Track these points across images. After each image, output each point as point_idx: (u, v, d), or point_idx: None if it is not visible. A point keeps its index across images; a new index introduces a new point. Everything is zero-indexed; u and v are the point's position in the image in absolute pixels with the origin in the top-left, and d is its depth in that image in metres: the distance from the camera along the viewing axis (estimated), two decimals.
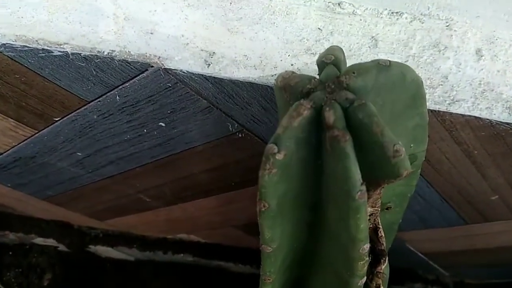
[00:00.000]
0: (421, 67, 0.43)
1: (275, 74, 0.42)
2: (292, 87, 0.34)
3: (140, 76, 0.43)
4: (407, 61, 0.44)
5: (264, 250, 0.37)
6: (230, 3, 0.44)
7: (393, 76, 0.34)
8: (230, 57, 0.43)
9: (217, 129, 0.50)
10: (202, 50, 0.43)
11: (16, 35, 0.41)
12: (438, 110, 0.43)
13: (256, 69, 0.43)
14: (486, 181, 0.56)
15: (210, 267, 1.01)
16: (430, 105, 0.42)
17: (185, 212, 0.79)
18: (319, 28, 0.44)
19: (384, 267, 0.41)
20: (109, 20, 0.42)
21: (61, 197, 0.78)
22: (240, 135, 0.51)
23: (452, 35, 0.44)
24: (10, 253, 0.94)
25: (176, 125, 0.51)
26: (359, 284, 0.38)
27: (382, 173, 0.31)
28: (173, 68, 0.42)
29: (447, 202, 0.63)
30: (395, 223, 0.48)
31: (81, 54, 0.41)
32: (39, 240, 0.94)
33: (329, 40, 0.44)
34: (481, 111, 0.43)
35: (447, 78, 0.43)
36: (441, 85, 0.43)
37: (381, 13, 0.44)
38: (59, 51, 0.41)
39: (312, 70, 0.42)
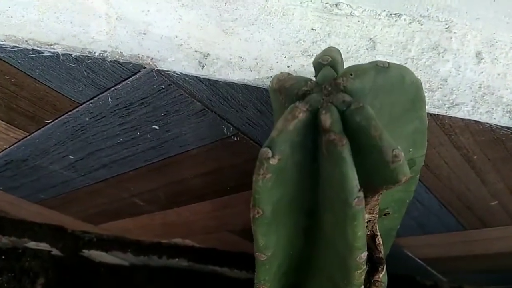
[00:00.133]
0: (420, 70, 0.43)
1: (271, 76, 0.41)
2: (287, 89, 0.33)
3: (133, 77, 0.42)
4: (406, 63, 0.43)
5: (259, 258, 0.36)
6: (225, 4, 0.43)
7: (392, 78, 0.33)
8: (225, 58, 0.42)
9: (212, 132, 0.50)
10: (196, 51, 0.42)
11: (6, 35, 0.40)
12: (437, 114, 0.42)
13: (251, 71, 0.42)
14: (486, 187, 0.55)
15: (205, 272, 1.00)
16: (429, 108, 0.42)
17: (180, 216, 0.78)
18: (316, 30, 0.43)
19: (382, 275, 0.40)
20: (101, 20, 0.41)
21: (54, 200, 0.77)
22: (235, 139, 0.50)
23: (451, 37, 0.43)
24: (3, 257, 0.93)
25: (169, 128, 0.50)
26: None
27: (380, 179, 0.30)
28: (166, 69, 0.41)
29: (446, 208, 0.62)
30: (393, 229, 0.47)
31: (72, 55, 0.40)
32: (32, 244, 0.94)
33: (326, 41, 0.43)
34: (481, 115, 0.42)
35: (446, 81, 0.42)
36: (441, 88, 0.42)
37: (379, 15, 0.43)
38: (49, 51, 0.40)
39: (309, 72, 0.41)
